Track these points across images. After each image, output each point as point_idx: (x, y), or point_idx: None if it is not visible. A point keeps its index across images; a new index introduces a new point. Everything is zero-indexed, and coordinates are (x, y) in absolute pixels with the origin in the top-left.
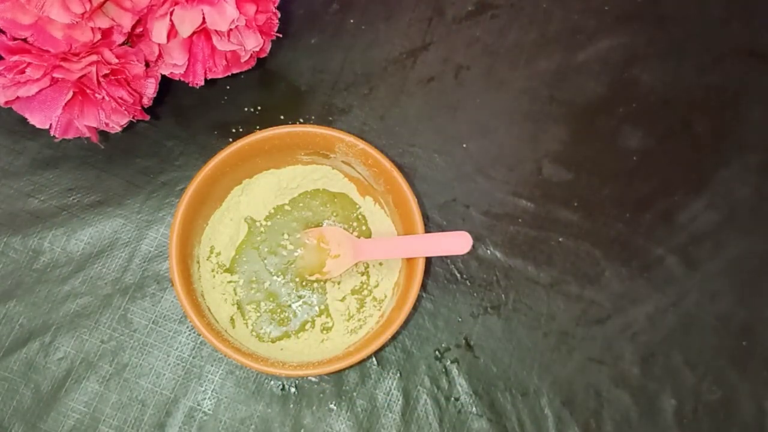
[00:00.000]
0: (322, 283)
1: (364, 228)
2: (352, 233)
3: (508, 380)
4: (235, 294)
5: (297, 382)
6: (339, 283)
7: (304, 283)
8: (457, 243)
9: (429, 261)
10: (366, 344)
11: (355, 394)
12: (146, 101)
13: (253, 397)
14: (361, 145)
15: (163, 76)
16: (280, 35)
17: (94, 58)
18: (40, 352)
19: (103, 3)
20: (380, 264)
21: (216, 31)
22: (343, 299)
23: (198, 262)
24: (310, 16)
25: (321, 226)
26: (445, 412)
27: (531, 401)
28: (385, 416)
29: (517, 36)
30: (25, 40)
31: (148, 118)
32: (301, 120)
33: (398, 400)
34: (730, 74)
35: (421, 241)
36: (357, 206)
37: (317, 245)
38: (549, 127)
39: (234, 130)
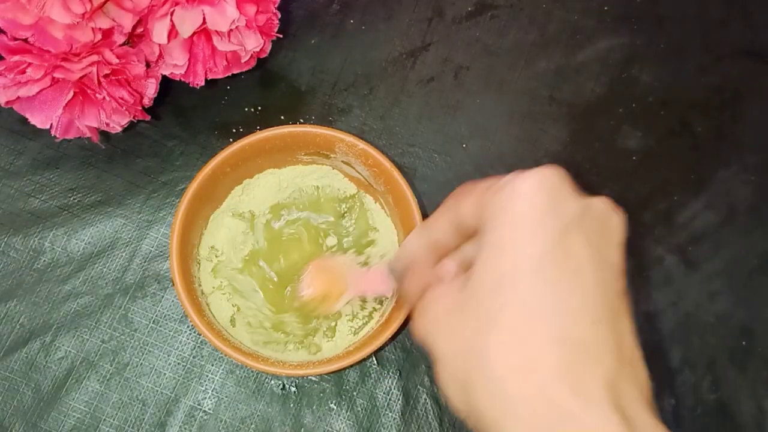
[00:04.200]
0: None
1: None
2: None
3: None
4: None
5: (297, 381)
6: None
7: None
8: None
9: None
10: (366, 344)
11: (355, 393)
12: (147, 101)
13: (254, 397)
14: (362, 145)
15: (164, 77)
16: (281, 36)
17: (94, 58)
18: (40, 351)
19: (104, 3)
20: (381, 257)
21: (216, 31)
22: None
23: (198, 262)
24: (311, 16)
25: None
26: (445, 411)
27: None
28: (385, 415)
29: (517, 36)
30: (25, 40)
31: (148, 118)
32: (302, 120)
33: (398, 400)
34: (730, 74)
35: None
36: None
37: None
38: (548, 127)
39: (234, 130)
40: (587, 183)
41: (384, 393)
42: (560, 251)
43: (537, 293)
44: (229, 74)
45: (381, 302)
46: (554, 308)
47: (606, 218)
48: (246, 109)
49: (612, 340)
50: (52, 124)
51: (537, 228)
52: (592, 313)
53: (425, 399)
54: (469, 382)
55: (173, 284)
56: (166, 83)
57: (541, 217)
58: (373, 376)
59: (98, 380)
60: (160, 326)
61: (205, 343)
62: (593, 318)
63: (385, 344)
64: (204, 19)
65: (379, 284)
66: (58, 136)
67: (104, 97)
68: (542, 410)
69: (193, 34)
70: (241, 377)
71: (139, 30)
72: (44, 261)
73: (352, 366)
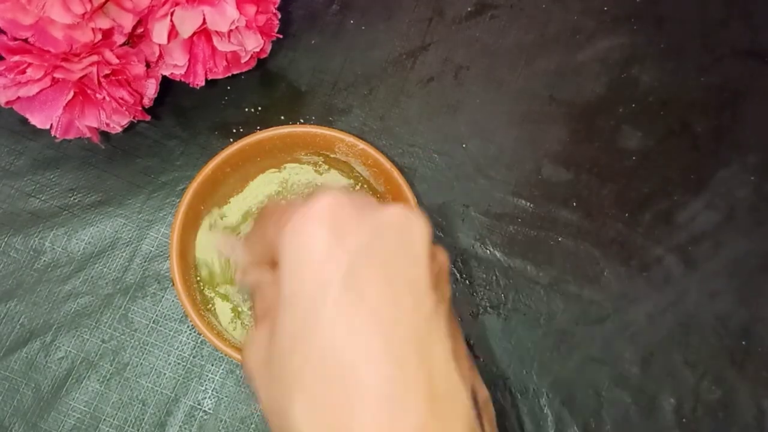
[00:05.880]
0: None
1: None
2: None
3: (507, 380)
4: (236, 293)
5: None
6: None
7: None
8: None
9: None
10: None
11: None
12: (147, 101)
13: (254, 396)
14: (361, 145)
15: (164, 77)
16: (281, 36)
17: (94, 58)
18: (40, 351)
19: (104, 3)
20: None
21: (216, 31)
22: None
23: (198, 262)
24: (311, 16)
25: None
26: None
27: (530, 401)
28: None
29: (517, 36)
30: (25, 40)
31: (148, 118)
32: (302, 120)
33: None
34: (730, 74)
35: None
36: None
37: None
38: (548, 127)
39: (235, 131)
40: (587, 183)
41: None
42: (351, 292)
43: (333, 347)
44: (229, 74)
45: None
46: (353, 361)
47: (402, 229)
48: (246, 109)
49: (421, 379)
50: (52, 125)
51: (322, 273)
52: (395, 358)
53: None
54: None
55: (173, 284)
56: (166, 83)
57: (324, 260)
58: None
59: (98, 380)
60: (160, 326)
61: (205, 343)
62: (397, 362)
63: None
64: (204, 19)
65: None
66: (58, 136)
67: (104, 98)
68: None
69: (193, 34)
70: (241, 377)
71: (140, 30)
72: (44, 261)
73: None
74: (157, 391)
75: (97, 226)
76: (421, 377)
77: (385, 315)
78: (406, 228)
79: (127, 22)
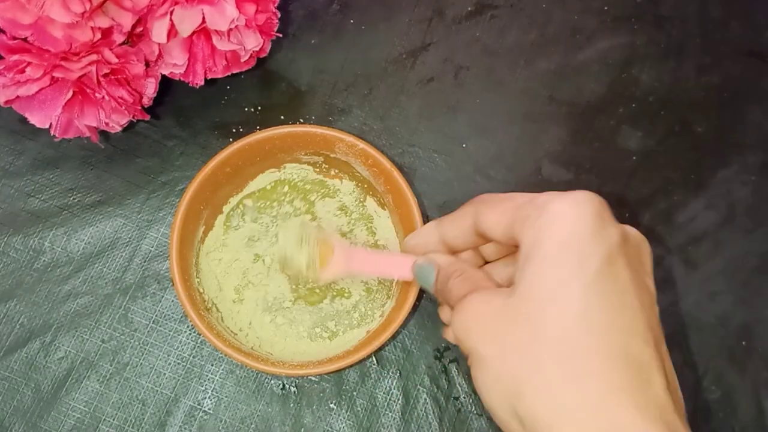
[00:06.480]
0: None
1: (369, 226)
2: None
3: None
4: (237, 293)
5: (297, 381)
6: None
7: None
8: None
9: None
10: (366, 344)
11: (355, 393)
12: (146, 101)
13: (254, 397)
14: (361, 145)
15: (163, 76)
16: (280, 35)
17: (94, 57)
18: (40, 351)
19: (103, 2)
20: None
21: (216, 30)
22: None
23: (198, 262)
24: (311, 16)
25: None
26: (445, 411)
27: None
28: (385, 415)
29: (517, 36)
30: (25, 39)
31: (148, 117)
32: (302, 120)
33: (398, 400)
34: (730, 74)
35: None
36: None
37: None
38: (548, 127)
39: (234, 130)
40: (587, 183)
41: (384, 393)
42: (608, 272)
43: (591, 309)
44: (229, 74)
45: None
46: (608, 325)
47: (640, 246)
48: (246, 109)
49: (659, 361)
50: (51, 124)
51: (585, 250)
52: (641, 333)
53: (425, 399)
54: (519, 387)
55: (173, 284)
56: (165, 83)
57: (588, 241)
58: (373, 376)
59: (98, 380)
60: (160, 326)
61: (205, 343)
62: (643, 338)
63: (385, 344)
64: (203, 18)
65: (391, 267)
66: (57, 135)
67: (103, 97)
68: (602, 421)
69: (193, 33)
70: (241, 377)
71: (139, 29)
72: (44, 261)
73: (352, 366)
74: (157, 391)
75: (97, 226)
76: (659, 360)
77: (633, 300)
78: (644, 246)
79: (127, 21)
